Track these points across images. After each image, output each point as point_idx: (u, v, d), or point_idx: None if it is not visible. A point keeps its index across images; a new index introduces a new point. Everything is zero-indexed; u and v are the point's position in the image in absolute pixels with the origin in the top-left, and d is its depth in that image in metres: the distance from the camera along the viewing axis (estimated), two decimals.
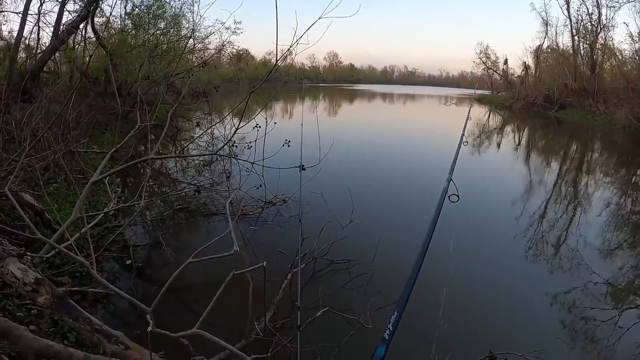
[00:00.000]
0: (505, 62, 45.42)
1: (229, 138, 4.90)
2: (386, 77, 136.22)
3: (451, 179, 2.42)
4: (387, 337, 1.24)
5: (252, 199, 5.63)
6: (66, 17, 12.59)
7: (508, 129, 23.65)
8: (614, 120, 22.36)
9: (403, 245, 4.76)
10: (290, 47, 4.11)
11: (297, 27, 3.55)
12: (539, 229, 6.10)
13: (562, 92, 31.87)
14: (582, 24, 31.96)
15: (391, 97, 51.98)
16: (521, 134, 21.57)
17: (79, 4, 12.69)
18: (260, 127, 5.63)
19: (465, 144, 4.34)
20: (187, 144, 8.80)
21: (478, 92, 62.23)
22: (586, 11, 31.30)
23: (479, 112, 32.80)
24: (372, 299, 3.34)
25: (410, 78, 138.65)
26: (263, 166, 5.05)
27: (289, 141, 5.42)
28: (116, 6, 14.06)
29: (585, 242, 5.56)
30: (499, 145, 16.21)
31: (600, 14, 30.19)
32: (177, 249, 4.44)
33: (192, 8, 14.16)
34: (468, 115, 5.60)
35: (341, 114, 25.64)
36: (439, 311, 3.60)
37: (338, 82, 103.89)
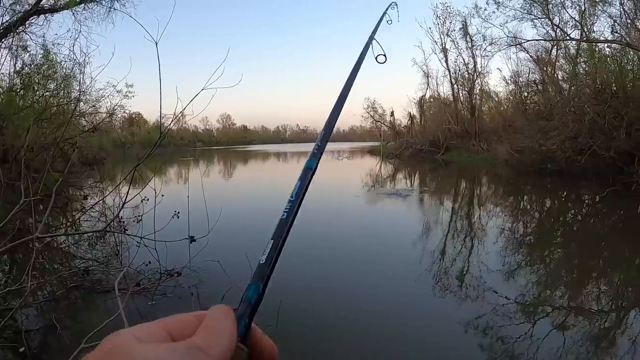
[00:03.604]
0: (392, 114, 49.58)
1: (116, 214, 4.90)
2: (279, 136, 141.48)
3: None
4: None
5: (148, 272, 5.54)
6: None
7: (400, 175, 24.64)
8: (496, 156, 24.83)
9: (303, 308, 4.89)
10: (177, 116, 4.43)
11: (185, 96, 3.85)
12: (441, 265, 6.33)
13: (447, 136, 35.24)
14: (459, 73, 36.63)
15: (285, 155, 52.91)
16: (412, 178, 22.83)
17: None
18: (147, 199, 5.61)
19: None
20: (78, 216, 8.40)
21: (368, 144, 66.41)
22: (463, 61, 36.06)
23: (371, 163, 34.28)
24: None
25: (303, 136, 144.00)
26: (155, 240, 5.11)
27: (178, 212, 5.58)
28: (5, 62, 13.10)
29: (488, 269, 5.96)
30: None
31: (475, 63, 35.02)
32: (73, 331, 4.32)
33: (83, 69, 13.85)
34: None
35: (236, 176, 25.98)
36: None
37: (232, 144, 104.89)
